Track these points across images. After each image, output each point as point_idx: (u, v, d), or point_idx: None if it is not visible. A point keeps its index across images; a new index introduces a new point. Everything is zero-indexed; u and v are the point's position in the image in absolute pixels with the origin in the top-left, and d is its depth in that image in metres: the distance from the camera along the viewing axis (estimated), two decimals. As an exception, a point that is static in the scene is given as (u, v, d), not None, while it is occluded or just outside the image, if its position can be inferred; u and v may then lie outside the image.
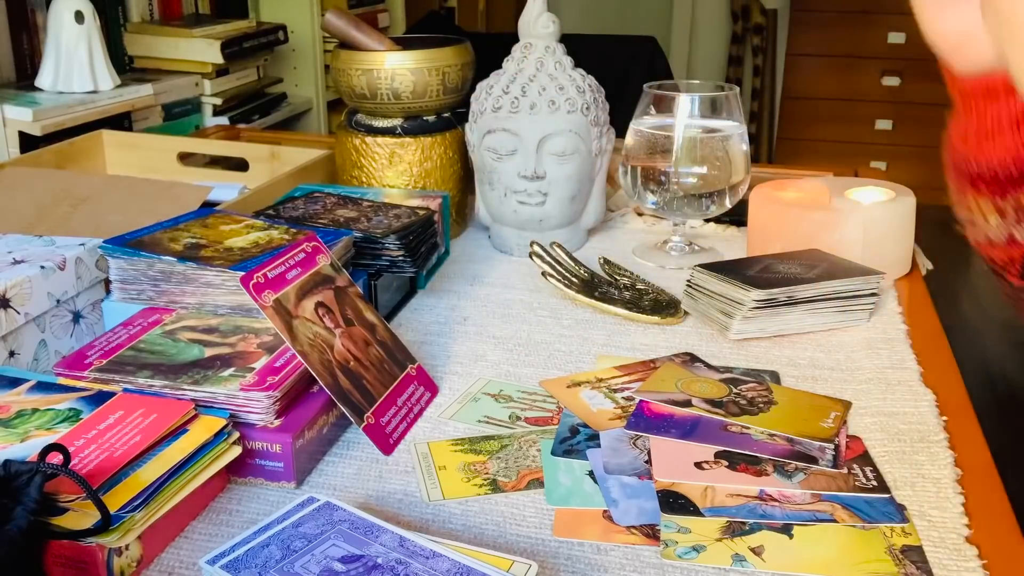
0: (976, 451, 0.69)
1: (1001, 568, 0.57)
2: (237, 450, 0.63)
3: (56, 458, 0.54)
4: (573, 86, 1.05)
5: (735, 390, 0.76)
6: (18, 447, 0.58)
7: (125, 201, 1.02)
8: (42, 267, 0.76)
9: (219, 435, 0.62)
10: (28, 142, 1.40)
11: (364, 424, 0.68)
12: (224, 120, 1.84)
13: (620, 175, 1.09)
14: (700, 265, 0.93)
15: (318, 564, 0.52)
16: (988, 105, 0.50)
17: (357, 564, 0.52)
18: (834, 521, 0.60)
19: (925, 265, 1.06)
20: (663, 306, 0.93)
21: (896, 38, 4.12)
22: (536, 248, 0.97)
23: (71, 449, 0.56)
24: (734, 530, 0.60)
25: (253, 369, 0.67)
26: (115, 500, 0.54)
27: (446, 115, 1.12)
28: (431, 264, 0.99)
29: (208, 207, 0.93)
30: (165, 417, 0.61)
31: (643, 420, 0.71)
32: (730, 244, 1.14)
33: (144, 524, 0.55)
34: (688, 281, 0.93)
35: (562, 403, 0.76)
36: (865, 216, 0.98)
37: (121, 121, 1.59)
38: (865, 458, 0.68)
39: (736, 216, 1.16)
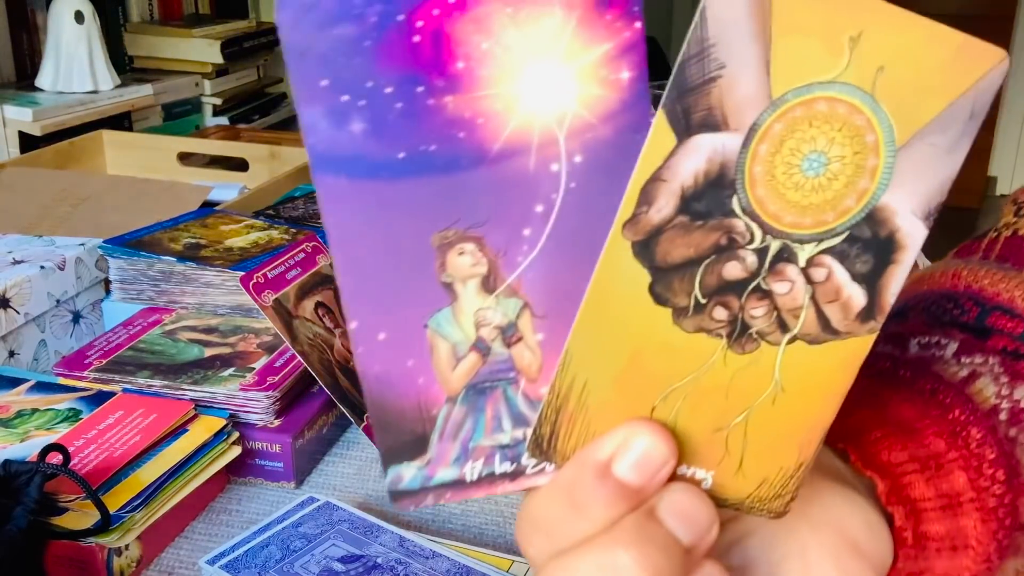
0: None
1: (1001, 568, 0.57)
2: (237, 450, 0.63)
3: (56, 458, 0.54)
4: (573, 86, 1.04)
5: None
6: (18, 447, 0.58)
7: (125, 201, 1.02)
8: (42, 267, 0.76)
9: (219, 435, 0.62)
10: (28, 142, 1.40)
11: (364, 424, 0.68)
12: (224, 120, 1.84)
13: (620, 175, 1.09)
14: (700, 265, 0.92)
15: (318, 564, 0.52)
16: None
17: (357, 564, 0.52)
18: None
19: (924, 264, 1.06)
20: (663, 306, 0.93)
21: (896, 38, 4.12)
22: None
23: (71, 449, 0.56)
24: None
25: (253, 369, 0.67)
26: (115, 500, 0.54)
27: (446, 115, 1.12)
28: (431, 264, 0.99)
29: (208, 207, 0.93)
30: (165, 417, 0.61)
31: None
32: (730, 244, 1.14)
33: (144, 524, 0.55)
34: (688, 281, 0.93)
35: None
36: (865, 216, 0.98)
37: (121, 121, 1.59)
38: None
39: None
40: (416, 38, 0.27)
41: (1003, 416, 0.36)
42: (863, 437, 0.34)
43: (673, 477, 0.29)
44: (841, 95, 0.25)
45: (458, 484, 0.31)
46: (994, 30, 4.25)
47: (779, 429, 0.28)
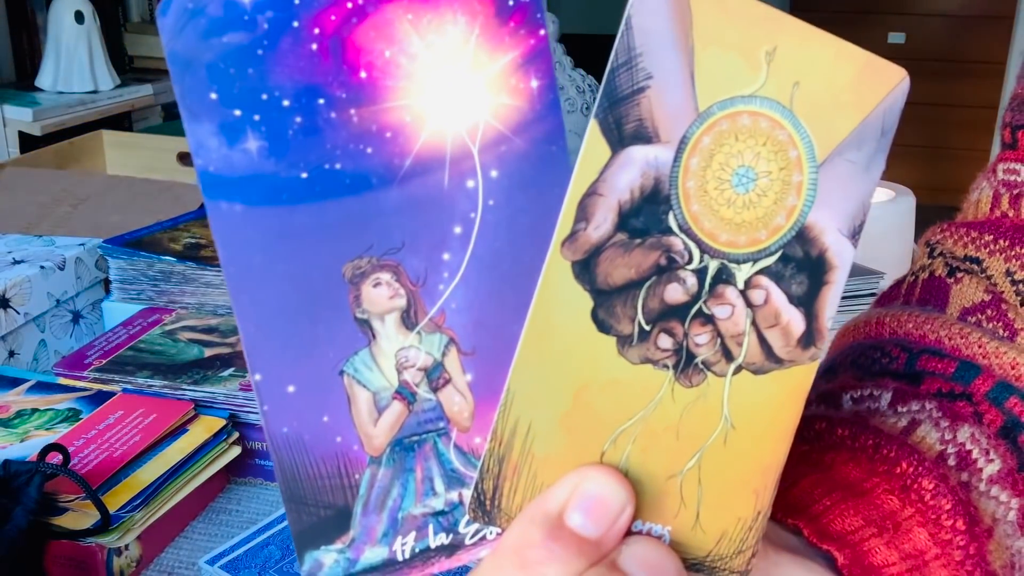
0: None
1: (1001, 568, 0.57)
2: (237, 450, 0.63)
3: (56, 458, 0.54)
4: (573, 86, 1.05)
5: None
6: (18, 447, 0.58)
7: (125, 201, 1.02)
8: (42, 267, 0.76)
9: (219, 435, 0.62)
10: (28, 142, 1.40)
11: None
12: (224, 120, 1.84)
13: (620, 175, 1.09)
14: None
15: (318, 564, 0.52)
16: None
17: (357, 564, 0.52)
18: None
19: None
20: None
21: (896, 38, 4.13)
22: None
23: (71, 449, 0.56)
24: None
25: (253, 369, 0.67)
26: (115, 500, 0.54)
27: (446, 115, 1.12)
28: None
29: (208, 207, 0.93)
30: (165, 417, 0.61)
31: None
32: (730, 244, 1.14)
33: (144, 524, 0.55)
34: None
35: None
36: (865, 216, 0.98)
37: (121, 121, 1.59)
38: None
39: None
40: (313, 46, 0.24)
41: (951, 461, 0.35)
42: (811, 508, 0.33)
43: (628, 535, 0.27)
44: (763, 109, 0.25)
45: (389, 567, 0.27)
46: (994, 30, 4.26)
47: (733, 473, 0.28)
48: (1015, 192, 0.42)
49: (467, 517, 0.28)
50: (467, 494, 0.28)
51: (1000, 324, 0.40)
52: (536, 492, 0.27)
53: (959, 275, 0.42)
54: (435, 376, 0.27)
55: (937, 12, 4.08)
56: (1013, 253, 0.40)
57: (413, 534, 0.28)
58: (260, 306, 0.25)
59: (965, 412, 0.36)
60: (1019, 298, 0.40)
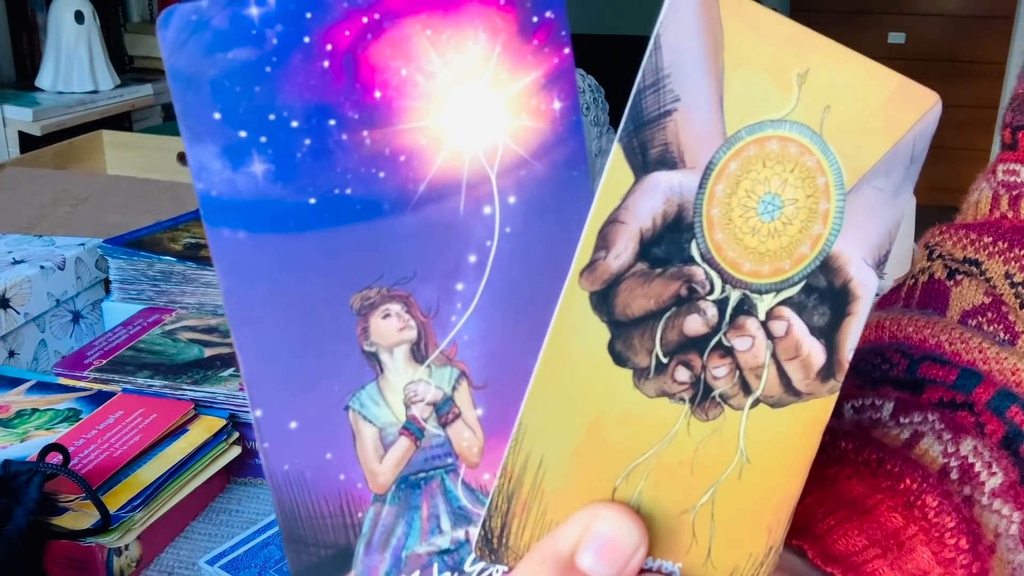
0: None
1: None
2: (237, 450, 0.63)
3: (56, 458, 0.54)
4: (573, 86, 1.05)
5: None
6: (18, 447, 0.58)
7: (125, 201, 1.02)
8: (42, 267, 0.76)
9: (219, 435, 0.62)
10: (28, 142, 1.40)
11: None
12: (224, 120, 1.84)
13: (620, 175, 1.09)
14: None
15: (318, 564, 0.52)
16: None
17: (357, 564, 0.52)
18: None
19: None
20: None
21: (896, 38, 4.13)
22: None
23: (71, 449, 0.56)
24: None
25: (253, 369, 0.67)
26: (115, 500, 0.54)
27: (446, 115, 1.12)
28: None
29: (208, 207, 0.93)
30: (165, 417, 0.61)
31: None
32: (730, 244, 1.14)
33: (144, 524, 0.55)
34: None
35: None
36: (865, 216, 0.97)
37: (121, 121, 1.59)
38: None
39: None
40: (325, 63, 0.23)
41: (954, 475, 0.34)
42: (815, 527, 0.32)
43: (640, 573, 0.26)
44: (792, 134, 0.24)
45: None
46: (994, 30, 4.26)
47: (747, 509, 0.27)
48: (1014, 193, 0.42)
49: (473, 555, 0.27)
50: (474, 532, 0.27)
51: (1000, 327, 0.40)
52: (546, 529, 0.26)
53: (958, 277, 0.42)
54: (444, 411, 0.26)
55: (937, 12, 4.08)
56: (1012, 255, 0.40)
57: (417, 573, 0.27)
58: (263, 339, 0.24)
59: (967, 423, 0.36)
60: (1018, 300, 0.40)
